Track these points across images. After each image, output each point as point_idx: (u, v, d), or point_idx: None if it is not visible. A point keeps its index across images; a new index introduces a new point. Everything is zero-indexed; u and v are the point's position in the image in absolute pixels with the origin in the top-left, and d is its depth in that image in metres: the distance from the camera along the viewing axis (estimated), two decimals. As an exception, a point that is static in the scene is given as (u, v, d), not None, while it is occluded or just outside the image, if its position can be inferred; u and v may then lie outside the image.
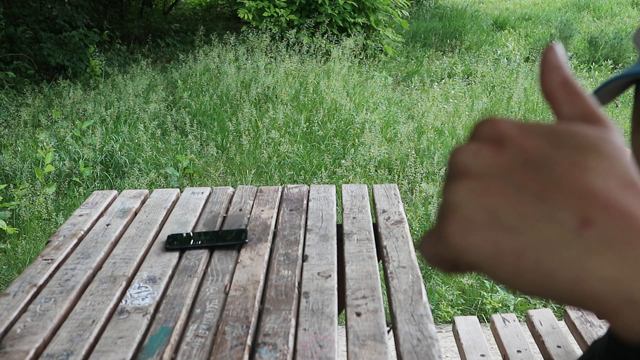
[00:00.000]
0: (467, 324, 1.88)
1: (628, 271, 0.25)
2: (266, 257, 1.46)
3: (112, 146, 4.16)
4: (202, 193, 1.84)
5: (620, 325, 0.26)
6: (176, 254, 1.48)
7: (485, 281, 2.86)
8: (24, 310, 1.26)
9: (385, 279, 1.38)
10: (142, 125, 4.52)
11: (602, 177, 0.26)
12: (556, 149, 0.27)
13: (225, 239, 1.53)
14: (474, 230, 0.27)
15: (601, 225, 0.25)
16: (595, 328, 1.71)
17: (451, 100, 5.30)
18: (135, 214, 1.73)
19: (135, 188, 3.56)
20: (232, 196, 1.83)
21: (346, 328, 1.19)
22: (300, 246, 1.51)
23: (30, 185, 3.62)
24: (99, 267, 1.44)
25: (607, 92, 0.60)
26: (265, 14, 6.45)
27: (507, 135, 0.28)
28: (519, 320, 1.89)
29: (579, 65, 6.32)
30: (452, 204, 0.28)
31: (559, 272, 0.26)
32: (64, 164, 3.91)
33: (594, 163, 0.26)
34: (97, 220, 1.69)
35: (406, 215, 1.72)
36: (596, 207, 0.26)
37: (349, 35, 6.48)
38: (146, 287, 1.33)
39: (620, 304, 0.25)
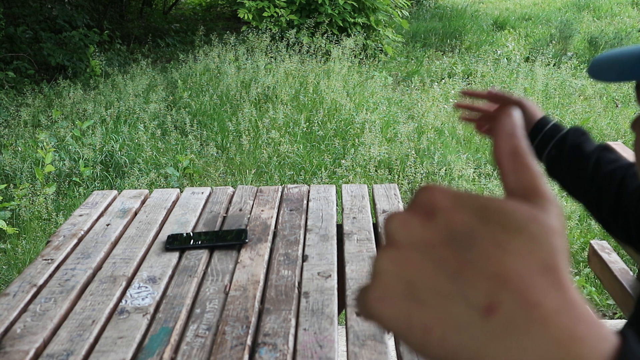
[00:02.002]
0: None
1: None
2: (266, 257, 1.46)
3: (112, 146, 4.16)
4: (202, 193, 1.84)
5: None
6: (176, 254, 1.48)
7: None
8: (24, 310, 1.26)
9: (385, 279, 1.38)
10: (142, 125, 4.52)
11: (520, 260, 0.26)
12: (483, 226, 0.27)
13: (225, 239, 1.53)
14: (390, 300, 0.27)
15: (506, 311, 0.25)
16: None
17: (451, 100, 5.30)
18: (135, 214, 1.73)
19: (135, 188, 3.56)
20: (232, 196, 1.83)
21: (346, 328, 1.19)
22: (300, 246, 1.51)
23: (30, 185, 3.62)
24: (99, 267, 1.44)
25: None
26: (265, 14, 6.45)
27: (439, 207, 0.28)
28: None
29: (579, 65, 6.32)
30: (377, 271, 0.28)
31: (461, 352, 0.26)
32: (64, 164, 3.91)
33: (516, 245, 0.26)
34: (97, 220, 1.69)
35: (406, 215, 1.72)
36: (505, 292, 0.25)
37: (349, 35, 6.48)
38: (146, 287, 1.33)
39: None
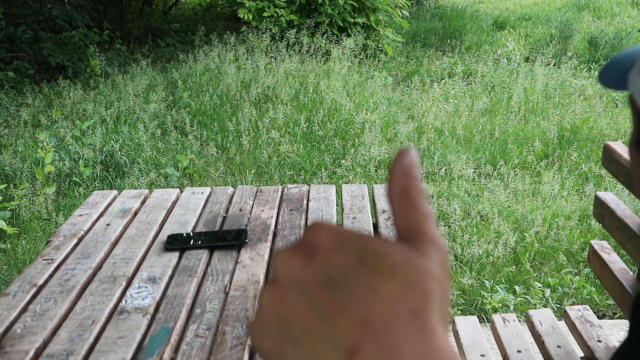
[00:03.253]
0: (467, 324, 1.88)
1: None
2: (266, 257, 1.46)
3: (112, 146, 4.16)
4: (202, 193, 1.84)
5: None
6: (176, 254, 1.48)
7: (485, 281, 2.86)
8: (24, 310, 1.26)
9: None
10: (142, 125, 4.52)
11: (387, 304, 0.26)
12: (358, 268, 0.27)
13: (225, 239, 1.53)
14: (267, 335, 0.28)
15: (367, 356, 0.25)
16: (596, 328, 1.71)
17: (451, 100, 5.30)
18: (135, 214, 1.73)
19: (135, 188, 3.56)
20: (232, 196, 1.83)
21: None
22: (300, 246, 1.51)
23: (30, 185, 3.62)
24: (99, 267, 1.44)
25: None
26: (265, 14, 6.44)
27: (321, 246, 0.29)
28: (519, 320, 1.89)
29: (579, 65, 6.32)
30: (259, 306, 0.29)
31: None
32: (64, 164, 3.91)
33: (387, 288, 0.26)
34: (97, 220, 1.69)
35: (406, 215, 1.72)
36: (367, 337, 0.26)
37: (349, 35, 6.48)
38: (146, 287, 1.33)
39: None
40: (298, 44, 6.20)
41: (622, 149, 1.61)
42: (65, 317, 1.24)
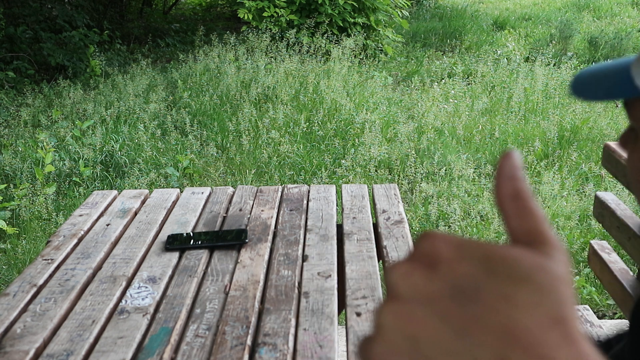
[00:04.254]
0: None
1: None
2: (266, 257, 1.46)
3: (112, 146, 4.16)
4: (202, 193, 1.84)
5: None
6: (176, 254, 1.48)
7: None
8: (24, 310, 1.26)
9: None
10: (142, 125, 4.52)
11: (528, 313, 0.25)
12: (489, 278, 0.26)
13: (225, 239, 1.53)
14: (394, 357, 0.27)
15: None
16: (595, 328, 1.71)
17: (451, 100, 5.30)
18: (135, 214, 1.73)
19: (135, 188, 3.56)
20: (232, 196, 1.83)
21: (346, 328, 1.19)
22: (300, 246, 1.51)
23: (30, 185, 3.62)
24: (99, 267, 1.44)
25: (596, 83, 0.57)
26: (265, 14, 6.44)
27: (442, 257, 0.27)
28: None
29: (579, 65, 6.32)
30: (380, 325, 0.28)
31: None
32: (64, 164, 3.91)
33: (523, 296, 0.25)
34: (97, 220, 1.69)
35: (406, 215, 1.72)
36: (515, 349, 0.25)
37: (349, 35, 6.48)
38: (146, 287, 1.33)
39: None
40: (298, 44, 6.20)
41: (622, 149, 1.61)
42: (65, 317, 1.24)
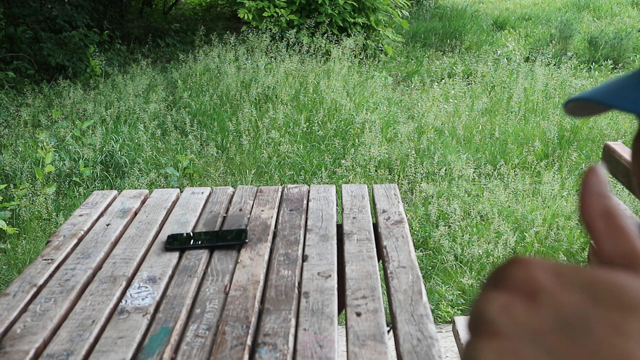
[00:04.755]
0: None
1: None
2: (266, 257, 1.46)
3: (112, 146, 4.16)
4: (202, 193, 1.84)
5: None
6: (176, 254, 1.48)
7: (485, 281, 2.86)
8: (24, 310, 1.26)
9: (385, 279, 1.38)
10: (142, 125, 4.52)
11: None
12: (595, 307, 0.24)
13: (225, 239, 1.53)
14: None
15: None
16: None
17: (451, 100, 5.30)
18: (135, 214, 1.73)
19: (135, 188, 3.56)
20: (232, 196, 1.83)
21: (346, 328, 1.19)
22: (300, 246, 1.51)
23: (30, 185, 3.62)
24: (99, 267, 1.44)
25: (578, 108, 0.56)
26: (265, 14, 6.45)
27: (542, 286, 0.25)
28: (519, 320, 1.89)
29: (579, 65, 6.32)
30: None
31: None
32: (64, 164, 3.91)
33: (634, 326, 0.24)
34: (97, 220, 1.69)
35: (406, 215, 1.72)
36: None
37: (349, 35, 6.48)
38: (146, 287, 1.33)
39: None
40: (298, 44, 6.20)
41: (622, 149, 1.61)
42: (65, 317, 1.23)
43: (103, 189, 3.46)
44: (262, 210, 1.71)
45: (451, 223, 3.27)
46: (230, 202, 1.79)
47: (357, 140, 4.28)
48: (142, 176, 3.82)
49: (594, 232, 0.28)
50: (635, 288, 0.25)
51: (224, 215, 1.71)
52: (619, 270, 0.26)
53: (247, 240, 1.52)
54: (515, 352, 0.25)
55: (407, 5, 7.71)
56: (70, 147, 4.15)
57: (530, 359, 0.24)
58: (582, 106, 0.54)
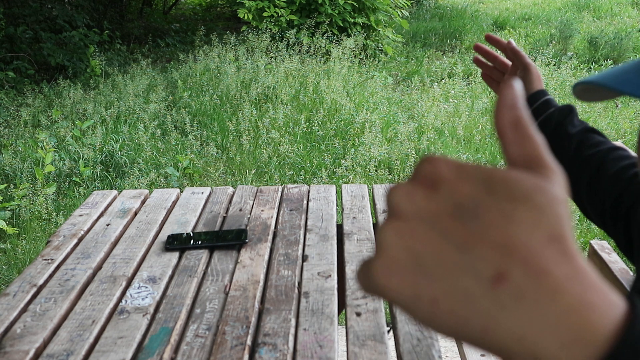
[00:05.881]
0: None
1: (533, 330, 0.25)
2: (266, 257, 1.46)
3: (112, 146, 4.16)
4: (202, 193, 1.84)
5: None
6: (176, 254, 1.48)
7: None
8: (24, 310, 1.26)
9: (385, 279, 1.38)
10: (142, 125, 4.52)
11: (527, 229, 0.26)
12: (489, 197, 0.27)
13: (225, 239, 1.53)
14: (396, 272, 0.27)
15: (515, 280, 0.25)
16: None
17: (451, 100, 5.30)
18: (135, 214, 1.73)
19: (135, 188, 3.56)
20: (232, 196, 1.83)
21: (346, 328, 1.19)
22: (300, 246, 1.51)
23: (30, 185, 3.62)
24: (99, 267, 1.44)
25: (587, 91, 0.58)
26: (265, 14, 6.45)
27: (443, 177, 0.28)
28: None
29: (579, 65, 6.32)
30: (382, 243, 0.28)
31: (470, 324, 0.26)
32: (64, 164, 3.91)
33: (522, 214, 0.26)
34: (97, 220, 1.69)
35: (406, 215, 1.72)
36: (514, 262, 0.26)
37: (349, 35, 6.48)
38: (146, 287, 1.33)
39: (526, 358, 0.25)
40: (298, 44, 6.20)
41: (622, 149, 1.61)
42: (65, 317, 1.23)
43: (103, 189, 3.46)
44: (262, 210, 1.71)
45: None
46: (230, 202, 1.79)
47: (357, 140, 4.28)
48: (142, 176, 3.82)
49: (503, 139, 0.30)
50: (527, 183, 0.27)
51: (224, 215, 1.71)
52: (520, 170, 0.28)
53: (247, 240, 1.52)
54: (411, 232, 0.27)
55: (407, 5, 7.71)
56: (70, 147, 4.15)
57: (424, 238, 0.27)
58: (589, 89, 0.56)
